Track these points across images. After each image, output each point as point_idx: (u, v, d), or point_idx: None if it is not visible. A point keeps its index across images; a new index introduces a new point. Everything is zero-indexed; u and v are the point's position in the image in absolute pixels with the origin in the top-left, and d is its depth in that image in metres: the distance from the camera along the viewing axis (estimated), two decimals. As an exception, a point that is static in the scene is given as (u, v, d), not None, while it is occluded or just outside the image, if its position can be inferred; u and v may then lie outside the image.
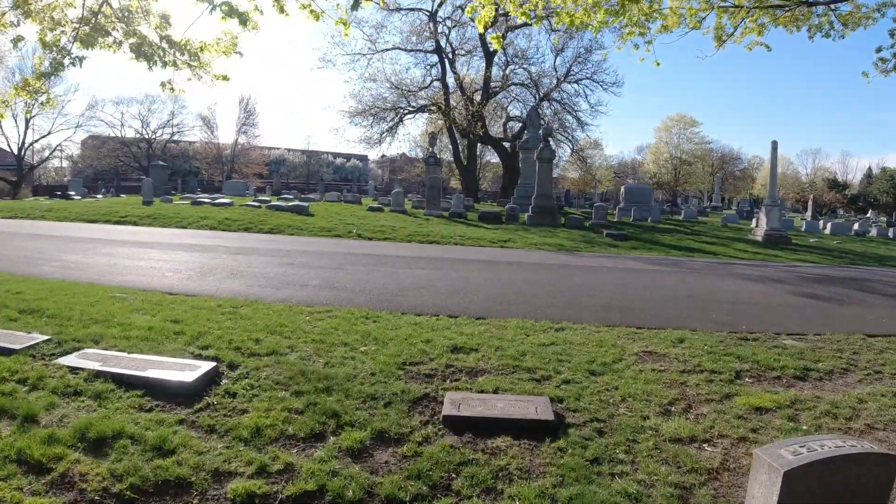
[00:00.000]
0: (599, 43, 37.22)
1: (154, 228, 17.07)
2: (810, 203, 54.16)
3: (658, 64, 7.48)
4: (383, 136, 36.02)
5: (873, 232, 29.21)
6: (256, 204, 22.26)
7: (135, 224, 17.90)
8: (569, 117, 39.43)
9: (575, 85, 38.27)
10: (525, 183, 29.11)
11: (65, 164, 61.17)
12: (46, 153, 52.89)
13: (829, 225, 29.62)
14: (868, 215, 51.87)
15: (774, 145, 21.77)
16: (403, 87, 34.89)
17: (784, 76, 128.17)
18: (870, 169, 77.52)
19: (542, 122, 32.70)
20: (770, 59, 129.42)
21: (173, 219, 18.86)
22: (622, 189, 32.60)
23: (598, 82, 37.89)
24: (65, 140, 52.14)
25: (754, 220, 28.49)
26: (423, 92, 36.07)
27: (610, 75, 38.35)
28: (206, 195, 26.03)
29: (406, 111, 36.31)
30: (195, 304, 6.74)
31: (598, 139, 56.85)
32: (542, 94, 37.54)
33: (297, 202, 22.28)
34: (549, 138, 23.31)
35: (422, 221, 20.64)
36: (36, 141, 49.60)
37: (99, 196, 33.38)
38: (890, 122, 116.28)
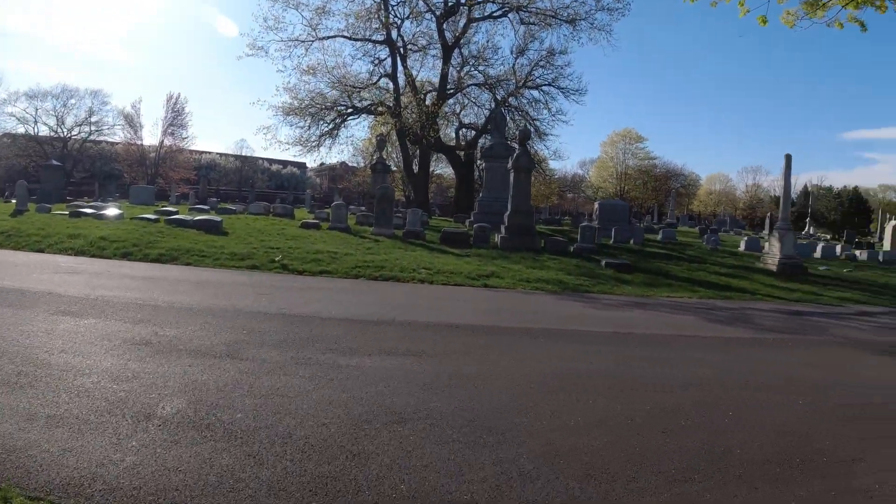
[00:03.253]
0: (564, 46, 33.77)
1: (-14, 253, 11.90)
2: (767, 221, 52.63)
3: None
4: (322, 138, 31.13)
5: (863, 256, 26.60)
6: (154, 217, 17.17)
7: (-37, 245, 12.65)
8: (528, 126, 35.71)
9: (535, 91, 34.66)
10: (490, 196, 25.00)
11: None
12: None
13: (818, 248, 26.77)
14: (810, 232, 50.81)
15: (788, 160, 18.41)
16: (347, 83, 30.14)
17: (727, 93, 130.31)
18: (806, 187, 77.98)
19: (507, 126, 28.80)
20: (713, 75, 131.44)
21: (32, 237, 13.72)
22: (596, 206, 29.01)
23: (560, 89, 34.37)
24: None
25: (766, 246, 25.46)
26: (369, 91, 31.43)
27: (573, 81, 34.83)
28: (90, 205, 20.60)
29: (349, 111, 31.57)
30: None
31: (559, 150, 53.34)
32: (500, 100, 33.64)
33: (207, 216, 17.31)
34: (527, 143, 19.21)
35: (370, 244, 16.10)
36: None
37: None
38: (827, 142, 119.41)
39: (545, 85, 34.43)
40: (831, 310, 11.67)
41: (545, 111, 34.99)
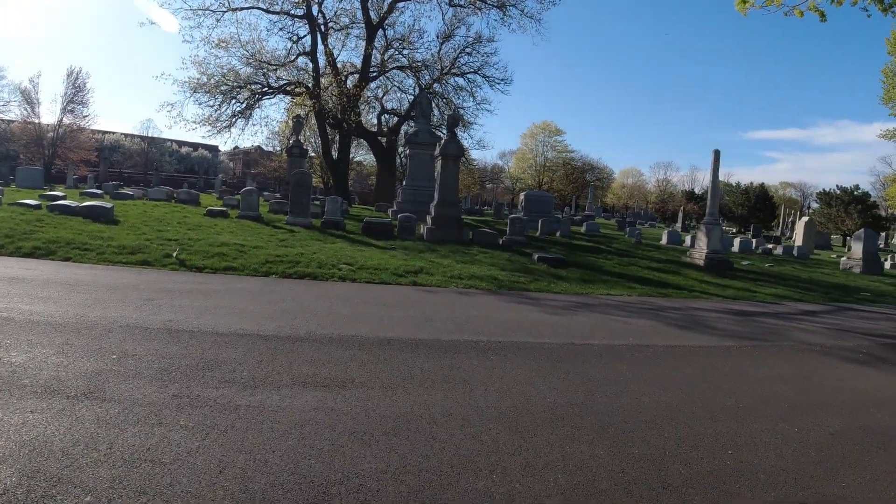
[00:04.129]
0: (492, 33, 32.93)
1: None
2: (681, 214, 54.26)
3: None
4: (234, 119, 28.73)
5: (778, 251, 27.44)
6: (35, 203, 14.83)
7: None
8: (457, 111, 34.63)
9: (460, 79, 33.64)
10: (414, 185, 23.82)
11: None
12: None
13: (735, 242, 27.35)
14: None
15: (717, 155, 18.30)
16: (262, 60, 27.90)
17: (642, 88, 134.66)
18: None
19: (435, 110, 27.65)
20: (630, 69, 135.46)
21: None
22: (522, 196, 28.35)
23: (486, 77, 33.56)
24: None
25: (688, 239, 25.65)
26: (286, 69, 29.26)
27: (499, 70, 34.07)
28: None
29: (264, 90, 29.31)
30: None
31: (482, 139, 51.99)
32: (425, 85, 32.36)
33: (96, 202, 15.14)
34: (455, 129, 18.10)
35: (284, 235, 14.55)
36: None
37: None
38: (733, 140, 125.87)
39: (471, 73, 33.57)
40: (774, 309, 11.31)
41: (470, 99, 34.12)
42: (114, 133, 69.45)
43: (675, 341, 7.48)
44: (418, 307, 8.23)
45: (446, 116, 32.69)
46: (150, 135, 66.35)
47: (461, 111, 33.12)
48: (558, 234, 23.20)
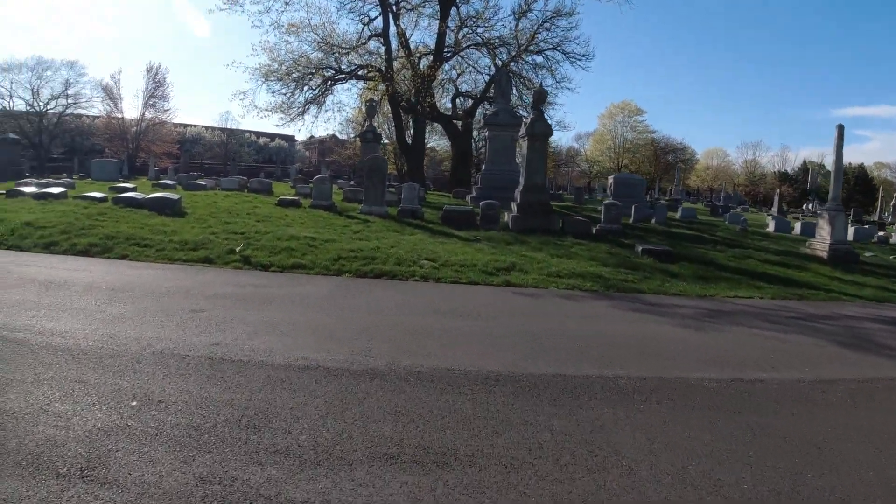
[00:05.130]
0: (572, 6, 30.56)
1: None
2: (776, 198, 49.93)
3: None
4: (307, 106, 27.93)
5: (894, 239, 23.99)
6: (100, 196, 14.25)
7: None
8: (528, 93, 32.51)
9: (538, 56, 31.45)
10: (494, 169, 22.17)
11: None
12: None
13: (849, 230, 24.10)
14: (813, 209, 47.93)
15: (840, 131, 15.66)
16: (333, 44, 26.87)
17: (722, 66, 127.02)
18: (804, 163, 75.26)
19: (513, 90, 25.86)
20: (712, 49, 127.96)
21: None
22: (610, 180, 26.15)
23: (566, 53, 31.21)
24: None
25: (797, 227, 22.77)
26: (358, 53, 28.10)
27: (580, 45, 31.66)
28: (33, 182, 17.60)
29: (336, 76, 28.31)
30: None
31: (562, 119, 48.94)
32: (501, 64, 30.45)
33: (162, 194, 14.40)
34: (542, 106, 16.30)
35: (358, 225, 13.31)
36: None
37: None
38: (819, 118, 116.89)
39: (549, 49, 31.30)
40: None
41: (549, 77, 31.88)
42: (195, 126, 71.06)
43: (859, 370, 5.60)
44: (520, 319, 6.69)
45: (525, 96, 30.95)
46: (228, 126, 67.37)
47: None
48: (653, 220, 21.00)
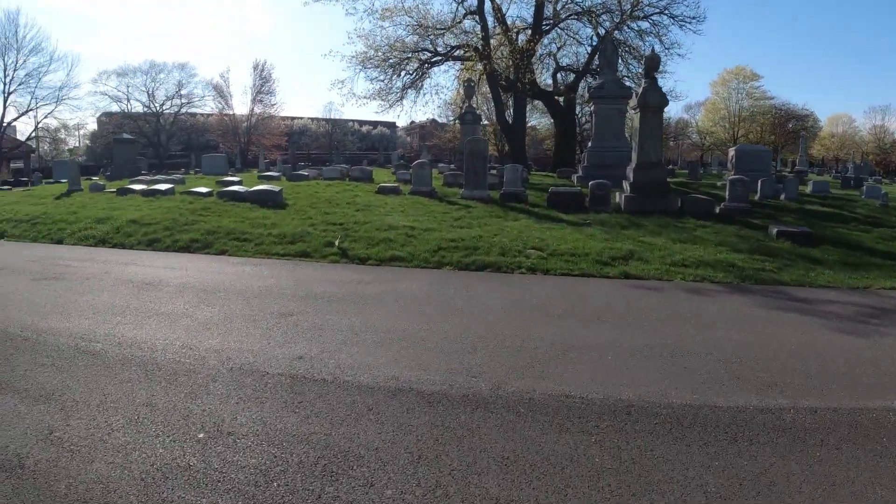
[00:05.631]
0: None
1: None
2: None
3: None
4: (405, 91, 27.58)
5: None
6: (205, 191, 14.50)
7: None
8: (635, 63, 30.32)
9: (643, 22, 29.08)
10: (601, 145, 20.71)
11: (78, 143, 55.79)
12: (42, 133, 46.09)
13: None
14: None
15: None
16: (428, 26, 26.23)
17: (847, 26, 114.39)
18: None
19: (618, 60, 24.14)
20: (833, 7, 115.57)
21: (58, 224, 11.58)
22: (732, 153, 23.82)
23: (674, 17, 28.61)
24: (46, 117, 44.33)
25: None
26: (453, 33, 27.28)
27: (690, 7, 28.91)
28: (144, 180, 18.35)
29: (433, 59, 27.71)
30: None
31: (674, 89, 44.90)
32: (604, 33, 28.50)
33: (264, 186, 14.41)
34: (655, 74, 14.80)
35: (459, 212, 12.65)
36: (15, 119, 42.55)
37: (99, 181, 26.18)
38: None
39: (656, 13, 28.88)
40: None
41: (657, 44, 29.44)
42: (301, 118, 73.42)
43: None
44: (646, 322, 5.71)
45: (632, 66, 28.94)
46: (332, 117, 69.07)
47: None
48: (783, 196, 18.78)
